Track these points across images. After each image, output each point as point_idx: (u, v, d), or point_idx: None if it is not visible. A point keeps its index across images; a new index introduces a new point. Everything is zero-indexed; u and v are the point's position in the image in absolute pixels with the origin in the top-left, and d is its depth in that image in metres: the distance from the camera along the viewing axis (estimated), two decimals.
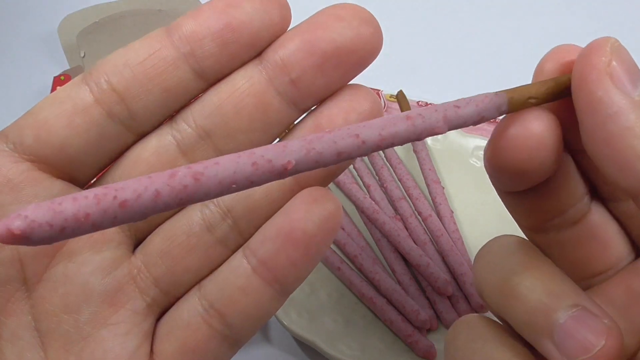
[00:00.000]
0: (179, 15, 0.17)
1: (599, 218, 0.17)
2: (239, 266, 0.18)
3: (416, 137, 0.14)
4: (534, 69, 0.16)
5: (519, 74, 0.47)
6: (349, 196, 0.37)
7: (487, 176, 0.44)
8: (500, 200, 0.18)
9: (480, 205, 0.38)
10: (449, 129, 0.14)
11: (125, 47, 0.17)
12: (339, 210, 0.17)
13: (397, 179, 0.38)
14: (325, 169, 0.17)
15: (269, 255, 0.17)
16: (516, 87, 0.15)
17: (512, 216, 0.18)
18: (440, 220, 0.36)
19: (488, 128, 0.42)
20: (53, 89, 0.45)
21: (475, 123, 0.15)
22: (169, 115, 0.18)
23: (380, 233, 0.36)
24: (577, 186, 0.16)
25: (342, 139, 0.13)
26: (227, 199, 0.18)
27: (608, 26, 0.50)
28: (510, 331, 0.16)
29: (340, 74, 0.17)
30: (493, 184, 0.17)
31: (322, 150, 0.13)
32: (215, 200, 0.18)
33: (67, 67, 0.48)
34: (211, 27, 0.16)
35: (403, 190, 0.38)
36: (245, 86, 0.17)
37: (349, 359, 0.30)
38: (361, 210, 0.36)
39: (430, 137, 0.40)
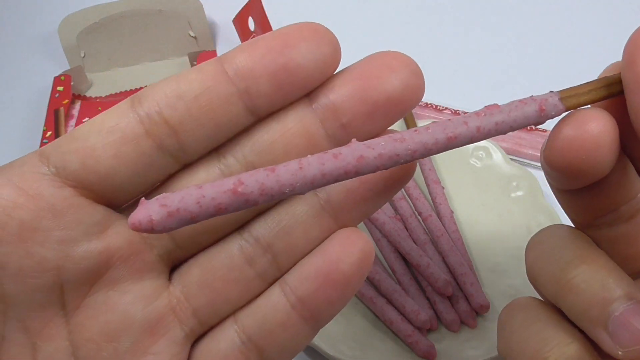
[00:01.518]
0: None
1: None
2: (278, 302, 0.18)
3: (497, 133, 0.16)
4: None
5: (522, 76, 0.47)
6: None
7: (487, 176, 0.44)
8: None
9: (480, 205, 0.37)
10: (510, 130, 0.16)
11: (177, 76, 0.17)
12: (372, 250, 0.18)
13: None
14: (365, 210, 0.18)
15: (308, 294, 0.18)
16: (568, 88, 0.15)
17: (565, 212, 0.18)
18: (440, 220, 0.36)
19: None
20: (53, 89, 0.45)
21: (522, 126, 0.16)
22: (216, 146, 0.18)
23: (380, 233, 0.35)
24: (633, 183, 0.17)
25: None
26: (267, 235, 0.18)
27: (616, 28, 0.50)
28: (565, 315, 0.17)
29: (386, 122, 0.17)
30: (548, 182, 0.18)
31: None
32: (254, 235, 0.18)
33: (67, 67, 0.48)
34: (268, 66, 0.16)
35: (403, 190, 0.38)
36: (297, 127, 0.17)
37: (349, 359, 0.30)
38: None
39: None
